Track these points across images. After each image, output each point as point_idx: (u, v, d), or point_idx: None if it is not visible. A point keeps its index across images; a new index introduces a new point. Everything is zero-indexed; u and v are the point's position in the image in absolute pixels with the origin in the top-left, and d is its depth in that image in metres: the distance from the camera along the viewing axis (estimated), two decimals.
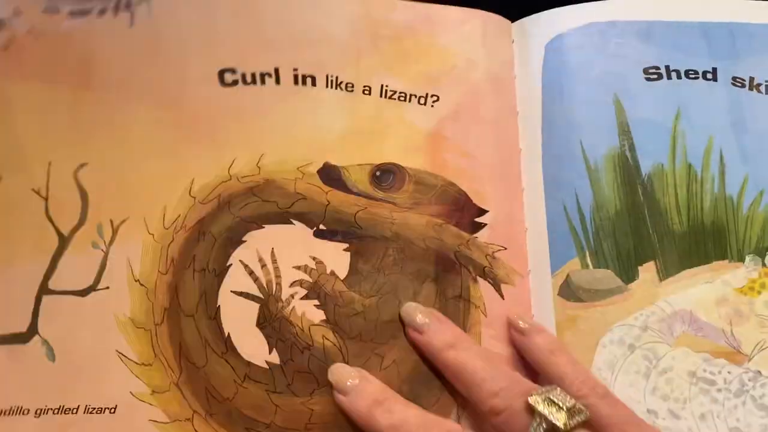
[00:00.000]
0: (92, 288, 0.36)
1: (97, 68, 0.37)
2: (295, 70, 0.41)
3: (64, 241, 0.36)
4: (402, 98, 0.42)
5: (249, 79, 0.41)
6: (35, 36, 0.36)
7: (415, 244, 0.40)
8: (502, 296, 0.39)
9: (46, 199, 0.36)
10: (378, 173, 0.41)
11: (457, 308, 0.39)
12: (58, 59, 0.37)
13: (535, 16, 0.44)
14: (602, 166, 0.41)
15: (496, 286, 0.39)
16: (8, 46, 0.35)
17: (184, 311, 0.37)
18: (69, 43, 0.37)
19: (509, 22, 0.45)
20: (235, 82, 0.40)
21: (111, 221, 0.37)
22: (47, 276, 0.35)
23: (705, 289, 0.39)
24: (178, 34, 0.39)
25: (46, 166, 0.36)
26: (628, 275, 0.39)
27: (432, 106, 0.43)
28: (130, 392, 0.35)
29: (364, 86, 0.42)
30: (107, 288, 0.36)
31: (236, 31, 0.41)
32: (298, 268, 0.39)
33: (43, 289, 0.35)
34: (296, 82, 0.41)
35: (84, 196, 0.36)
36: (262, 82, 0.41)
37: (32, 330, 0.35)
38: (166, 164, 0.38)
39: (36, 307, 0.35)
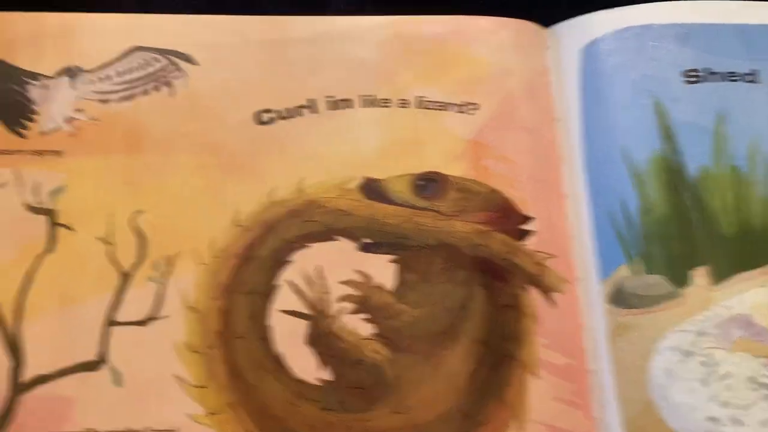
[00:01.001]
0: (152, 317, 0.38)
1: (145, 134, 0.41)
2: (330, 97, 0.42)
3: (126, 278, 0.38)
4: (440, 107, 0.43)
5: (285, 114, 0.42)
6: (94, 122, 0.41)
7: (462, 252, 0.39)
8: (552, 304, 0.39)
9: (110, 245, 0.39)
10: (420, 182, 0.41)
11: (509, 317, 0.39)
12: (113, 135, 0.41)
13: (569, 22, 0.44)
14: (647, 171, 0.40)
15: (547, 294, 0.39)
16: (75, 134, 0.41)
17: (235, 334, 0.37)
18: (120, 121, 0.41)
19: (543, 28, 0.45)
20: (271, 120, 0.42)
21: (166, 256, 0.39)
22: (113, 309, 0.38)
23: (762, 293, 0.38)
24: (213, 93, 0.42)
25: (109, 217, 0.39)
26: (680, 280, 0.38)
27: (471, 114, 0.43)
28: (189, 414, 0.36)
29: (401, 100, 0.43)
30: (165, 317, 0.38)
31: (267, 76, 0.43)
32: (345, 283, 0.39)
33: (110, 321, 0.37)
34: (332, 108, 0.42)
35: (141, 237, 0.39)
36: (299, 114, 0.42)
37: (101, 358, 0.37)
38: (213, 200, 0.40)
39: (104, 337, 0.37)
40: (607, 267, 0.39)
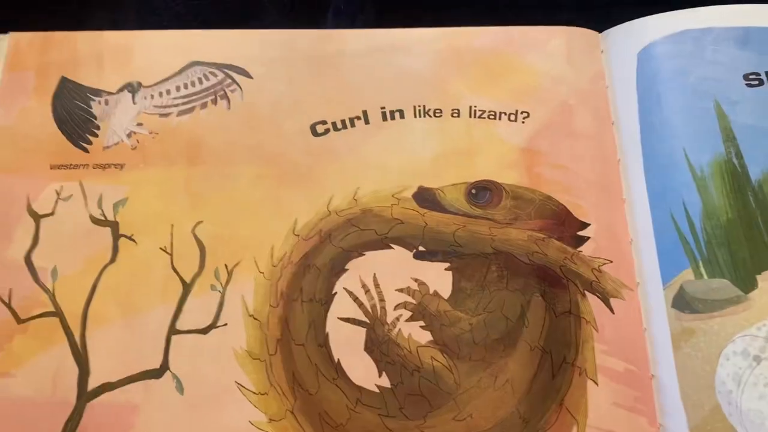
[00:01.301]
0: (213, 325, 0.38)
1: (204, 147, 0.42)
2: (383, 108, 0.43)
3: (187, 287, 0.39)
4: (492, 116, 0.43)
5: (339, 125, 0.42)
6: (153, 135, 0.42)
7: (518, 260, 0.39)
8: (612, 310, 0.38)
9: (171, 254, 0.40)
10: (474, 191, 0.41)
11: (568, 324, 0.38)
12: (173, 147, 0.42)
13: (624, 26, 0.44)
14: (709, 174, 0.39)
15: (605, 300, 0.39)
16: (135, 146, 0.42)
17: (295, 341, 0.38)
18: (180, 134, 0.42)
19: (596, 33, 0.45)
20: (326, 131, 0.42)
21: (226, 265, 0.39)
22: (175, 318, 0.38)
23: None
24: (269, 105, 0.43)
25: (170, 228, 0.40)
26: (746, 284, 0.37)
27: (523, 122, 0.42)
28: (250, 421, 0.36)
29: (453, 110, 0.43)
30: (225, 324, 0.38)
31: (321, 88, 0.43)
32: (401, 290, 0.39)
33: (172, 330, 0.38)
34: (385, 118, 0.43)
35: (202, 247, 0.40)
36: (352, 125, 0.42)
37: (164, 366, 0.37)
38: (271, 210, 0.40)
39: (166, 346, 0.38)
40: (669, 272, 0.38)
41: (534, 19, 0.45)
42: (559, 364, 0.37)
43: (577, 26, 0.45)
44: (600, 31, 0.45)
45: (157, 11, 0.50)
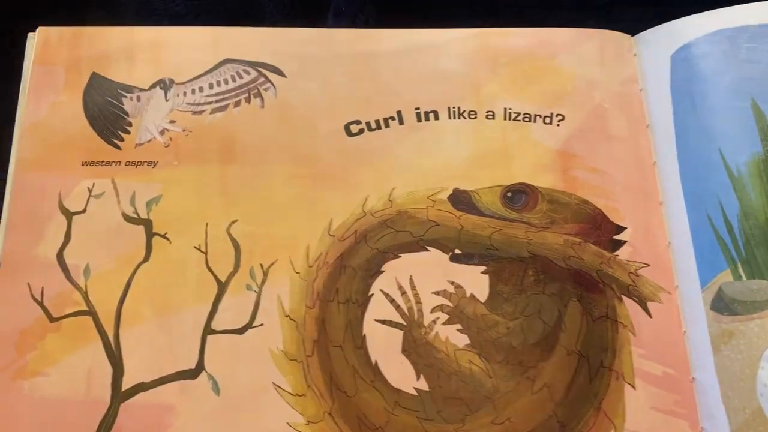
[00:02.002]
0: (248, 326, 0.38)
1: (238, 145, 0.41)
2: (417, 109, 0.42)
3: (222, 287, 0.39)
4: (527, 119, 0.42)
5: (374, 125, 0.42)
6: (187, 133, 0.42)
7: (554, 264, 0.39)
8: (649, 314, 0.38)
9: (206, 253, 0.39)
10: (509, 194, 0.41)
11: (605, 328, 0.38)
12: (206, 145, 0.41)
13: (657, 29, 0.44)
14: (746, 174, 0.39)
15: (642, 304, 0.39)
16: (168, 144, 0.41)
17: (332, 342, 0.37)
18: (213, 132, 0.42)
19: (629, 36, 0.45)
20: (360, 131, 0.42)
21: (261, 265, 0.39)
22: (210, 318, 0.38)
23: None
24: (303, 103, 0.42)
25: (204, 226, 0.40)
26: None
27: (558, 125, 0.42)
28: (287, 423, 0.36)
29: (487, 111, 0.43)
30: (261, 325, 0.38)
31: (355, 88, 0.43)
32: (438, 293, 0.39)
33: (207, 330, 0.38)
34: (419, 119, 0.42)
35: (236, 246, 0.39)
36: (386, 125, 0.42)
37: (199, 367, 0.37)
38: (306, 210, 0.40)
39: (202, 346, 0.37)
40: (707, 274, 0.38)
41: (535, 19, 0.45)
42: (596, 368, 0.37)
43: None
44: (632, 34, 0.44)
45: (157, 11, 0.50)
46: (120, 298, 0.38)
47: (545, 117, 0.42)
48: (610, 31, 0.45)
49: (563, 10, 0.50)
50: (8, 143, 0.41)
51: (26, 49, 0.43)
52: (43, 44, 0.43)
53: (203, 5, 0.50)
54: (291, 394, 0.37)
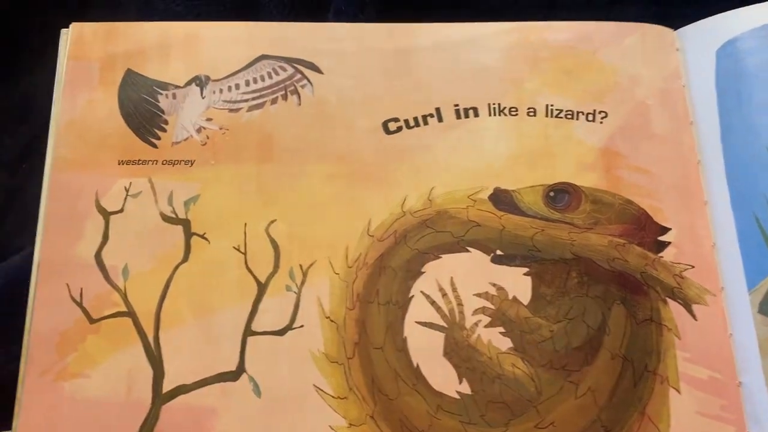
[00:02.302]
0: (289, 327, 0.38)
1: (275, 144, 0.41)
2: (456, 105, 0.42)
3: (262, 287, 0.38)
4: (569, 116, 0.42)
5: (412, 123, 0.41)
6: (224, 131, 0.41)
7: (598, 266, 0.38)
8: (694, 317, 0.38)
9: (245, 254, 0.39)
10: (552, 193, 0.40)
11: (649, 331, 0.37)
12: (243, 144, 0.41)
13: (701, 23, 0.43)
14: None
15: (688, 306, 0.38)
16: (205, 142, 0.41)
17: (373, 344, 0.37)
18: (250, 130, 0.41)
19: (672, 30, 0.43)
20: (399, 129, 0.41)
21: (300, 265, 0.38)
22: (250, 319, 0.38)
23: None
24: (340, 101, 0.42)
25: (243, 227, 0.39)
26: None
27: (601, 122, 0.41)
28: (329, 426, 0.36)
29: (529, 108, 0.42)
30: (302, 326, 0.37)
31: (393, 85, 0.42)
32: (479, 295, 0.38)
33: (248, 331, 0.37)
34: (458, 116, 0.41)
35: (276, 247, 0.39)
36: (425, 123, 0.41)
37: (240, 368, 0.37)
38: (344, 209, 0.39)
39: (242, 347, 0.37)
40: (754, 275, 0.37)
41: (536, 20, 0.44)
42: (640, 372, 0.37)
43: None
44: (675, 28, 0.43)
45: (158, 11, 0.49)
46: (159, 300, 0.38)
47: (588, 114, 0.42)
48: (652, 24, 0.44)
49: (563, 10, 0.49)
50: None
51: (59, 45, 0.43)
52: (77, 40, 0.43)
53: (203, 5, 0.49)
54: (333, 396, 0.36)
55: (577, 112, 0.42)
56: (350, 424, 0.36)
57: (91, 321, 0.37)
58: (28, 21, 0.51)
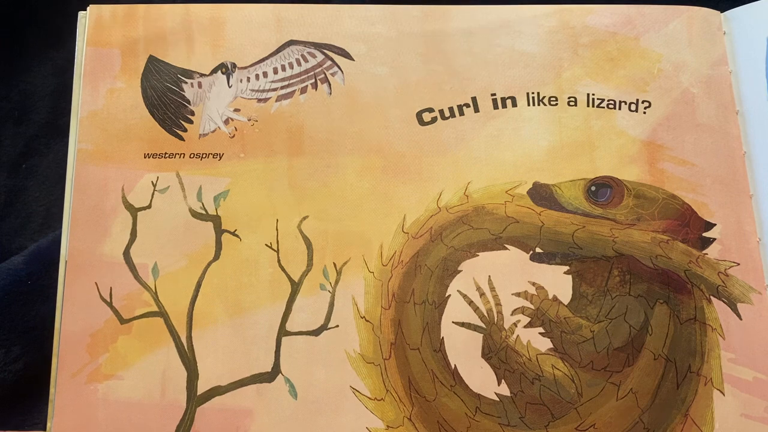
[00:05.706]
0: (324, 327, 0.37)
1: (306, 136, 0.39)
2: (493, 95, 0.40)
3: (295, 286, 0.37)
4: (611, 106, 0.40)
5: (447, 113, 0.40)
6: (252, 123, 0.39)
7: (641, 263, 0.37)
8: (739, 316, 0.37)
9: (278, 251, 0.38)
10: (593, 188, 0.38)
11: (693, 331, 0.37)
12: (273, 136, 0.39)
13: (751, 5, 0.41)
14: None
15: (732, 305, 0.37)
16: (233, 134, 0.39)
17: (409, 345, 0.36)
18: (280, 121, 0.39)
19: (719, 13, 0.41)
20: (433, 120, 0.39)
21: (334, 264, 0.37)
22: (284, 319, 0.37)
23: None
24: (372, 90, 0.40)
25: (275, 223, 0.38)
26: None
27: (644, 112, 0.40)
28: (366, 427, 0.35)
29: (569, 97, 0.40)
30: (337, 326, 0.37)
31: (427, 73, 0.40)
32: (518, 294, 0.37)
33: (282, 331, 0.37)
34: (495, 106, 0.40)
35: (309, 244, 0.38)
36: (461, 113, 0.40)
37: (276, 369, 0.36)
38: (378, 205, 0.38)
39: (277, 348, 0.36)
40: None
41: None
42: (683, 373, 0.36)
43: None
44: (722, 11, 0.41)
45: None
46: (191, 299, 0.37)
47: (630, 104, 0.40)
48: (698, 7, 0.42)
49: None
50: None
51: (77, 29, 0.41)
52: (95, 24, 0.41)
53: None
54: (369, 398, 0.36)
55: (620, 102, 0.40)
56: (387, 426, 0.35)
57: (122, 321, 0.37)
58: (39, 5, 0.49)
